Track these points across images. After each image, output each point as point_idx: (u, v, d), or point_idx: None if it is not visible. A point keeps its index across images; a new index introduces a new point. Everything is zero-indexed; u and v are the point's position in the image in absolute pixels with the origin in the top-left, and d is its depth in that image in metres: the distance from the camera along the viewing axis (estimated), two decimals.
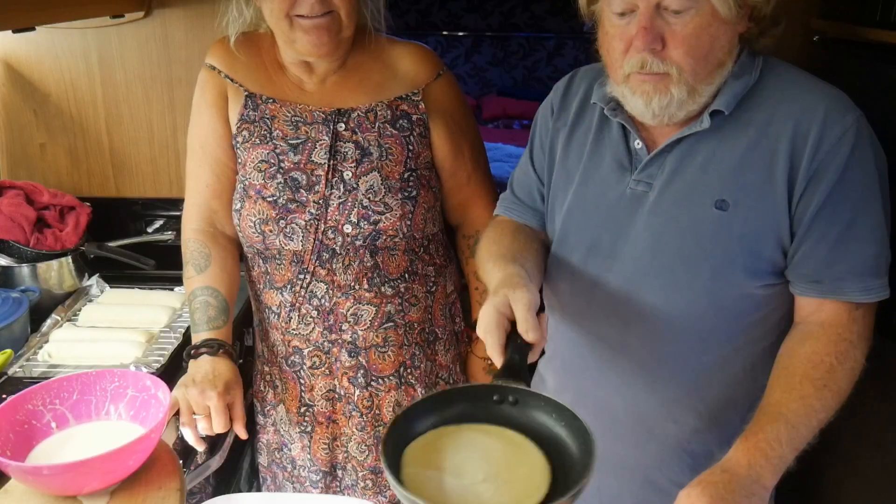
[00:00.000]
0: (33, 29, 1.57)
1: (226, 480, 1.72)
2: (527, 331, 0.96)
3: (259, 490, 1.70)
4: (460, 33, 5.41)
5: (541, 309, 1.04)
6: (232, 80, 1.44)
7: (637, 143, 1.14)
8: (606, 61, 1.10)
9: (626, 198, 1.14)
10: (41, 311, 1.68)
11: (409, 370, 1.50)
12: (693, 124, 1.08)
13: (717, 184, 1.07)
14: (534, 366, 1.37)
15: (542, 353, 1.35)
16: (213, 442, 1.46)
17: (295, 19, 1.31)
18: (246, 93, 1.43)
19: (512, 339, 0.98)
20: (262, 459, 1.64)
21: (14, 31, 1.54)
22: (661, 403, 1.19)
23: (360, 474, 1.54)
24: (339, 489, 1.57)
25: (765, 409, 1.03)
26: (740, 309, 1.12)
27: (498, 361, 0.98)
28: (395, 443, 0.89)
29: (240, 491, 1.78)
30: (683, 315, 1.12)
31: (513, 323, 0.99)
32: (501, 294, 1.01)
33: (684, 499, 0.95)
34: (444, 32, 5.41)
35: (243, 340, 1.72)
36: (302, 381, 1.51)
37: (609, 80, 1.12)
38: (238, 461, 1.78)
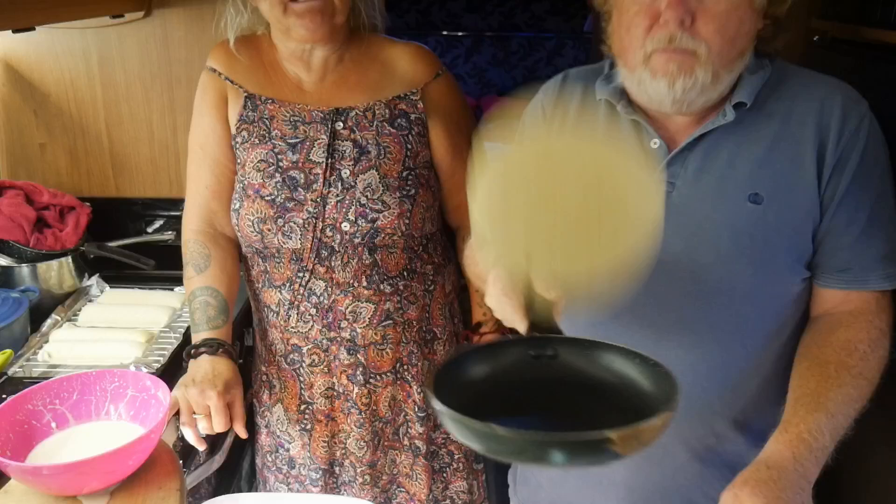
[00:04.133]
0: (33, 29, 1.57)
1: (226, 480, 1.72)
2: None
3: (259, 490, 1.70)
4: (460, 33, 5.40)
5: None
6: (232, 81, 1.45)
7: (654, 142, 1.09)
8: (623, 44, 1.04)
9: None
10: (41, 311, 1.68)
11: (405, 367, 1.51)
12: (715, 118, 1.05)
13: (747, 177, 1.04)
14: None
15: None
16: (214, 442, 1.46)
17: (288, 5, 1.31)
18: (245, 94, 1.44)
19: (531, 300, 0.88)
20: (258, 461, 1.65)
21: (14, 31, 1.54)
22: (704, 420, 1.13)
23: (357, 470, 1.54)
24: (336, 486, 1.57)
25: (802, 400, 0.99)
26: (777, 307, 1.08)
27: (522, 324, 0.89)
28: (442, 386, 0.81)
29: (240, 491, 1.78)
30: (724, 320, 1.08)
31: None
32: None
33: (732, 500, 0.90)
34: (444, 32, 5.40)
35: (243, 340, 1.73)
36: (301, 379, 1.51)
37: (620, 70, 1.07)
38: (238, 461, 1.78)
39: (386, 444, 1.55)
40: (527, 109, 1.24)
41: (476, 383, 0.84)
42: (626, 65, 1.06)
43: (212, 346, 1.36)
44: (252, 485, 1.79)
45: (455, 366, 0.85)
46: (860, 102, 1.05)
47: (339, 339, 1.46)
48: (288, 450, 1.56)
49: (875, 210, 1.04)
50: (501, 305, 0.91)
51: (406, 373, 1.51)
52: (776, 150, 1.04)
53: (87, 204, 1.94)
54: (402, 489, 1.60)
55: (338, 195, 1.39)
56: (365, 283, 1.43)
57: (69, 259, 1.80)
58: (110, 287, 1.83)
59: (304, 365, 1.50)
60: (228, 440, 1.52)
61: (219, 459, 1.51)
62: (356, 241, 1.40)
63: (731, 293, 1.07)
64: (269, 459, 1.60)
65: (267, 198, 1.40)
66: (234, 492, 1.70)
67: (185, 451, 1.44)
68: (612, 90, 1.11)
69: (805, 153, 1.03)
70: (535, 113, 1.22)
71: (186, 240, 1.48)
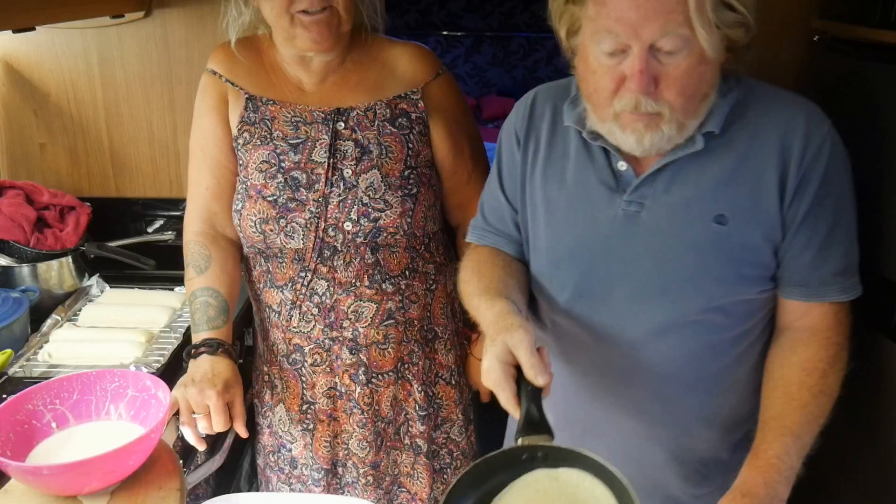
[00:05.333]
0: (33, 29, 1.57)
1: (226, 480, 1.72)
2: (535, 376, 0.96)
3: (259, 490, 1.70)
4: (460, 33, 5.39)
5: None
6: (233, 83, 1.45)
7: (621, 165, 1.13)
8: (591, 98, 1.08)
9: (619, 220, 1.13)
10: (41, 311, 1.68)
11: (406, 366, 1.51)
12: (685, 146, 1.08)
13: (712, 199, 1.08)
14: None
15: None
16: (214, 442, 1.46)
17: (295, 15, 1.32)
18: (246, 95, 1.44)
19: (522, 385, 0.98)
20: (260, 461, 1.65)
21: (14, 31, 1.54)
22: (677, 419, 1.19)
23: (360, 471, 1.54)
24: (339, 486, 1.57)
25: (769, 424, 1.06)
26: (744, 315, 1.13)
27: (515, 413, 0.98)
28: None
29: (240, 491, 1.78)
30: (693, 330, 1.12)
31: (517, 367, 0.99)
32: (499, 342, 1.00)
33: None
34: (444, 32, 5.40)
35: (243, 340, 1.73)
36: (304, 379, 1.51)
37: (589, 114, 1.11)
38: (238, 461, 1.78)
39: (388, 444, 1.55)
40: (502, 132, 1.28)
41: None
42: (594, 113, 1.09)
43: (211, 346, 1.36)
44: (252, 485, 1.79)
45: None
46: (823, 123, 1.08)
47: (341, 338, 1.46)
48: (290, 450, 1.56)
49: (834, 228, 1.08)
50: (496, 393, 1.00)
51: (407, 372, 1.51)
52: (740, 172, 1.08)
53: (88, 204, 1.94)
54: (404, 489, 1.60)
55: (340, 195, 1.39)
56: (367, 283, 1.43)
57: (69, 259, 1.80)
58: (110, 287, 1.83)
59: (306, 365, 1.50)
60: (228, 440, 1.52)
61: (219, 459, 1.51)
62: (358, 240, 1.40)
63: (698, 306, 1.11)
64: (272, 459, 1.60)
65: (269, 198, 1.40)
66: (234, 492, 1.70)
67: (185, 451, 1.44)
68: (577, 116, 1.14)
69: (768, 175, 1.07)
70: (510, 137, 1.25)
71: (187, 241, 1.48)
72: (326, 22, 1.32)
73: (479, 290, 1.17)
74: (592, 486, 0.91)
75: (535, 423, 0.95)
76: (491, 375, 0.99)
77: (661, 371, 1.16)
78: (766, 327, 1.17)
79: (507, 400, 0.98)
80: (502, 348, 0.99)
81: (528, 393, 0.97)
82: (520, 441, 0.95)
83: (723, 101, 1.08)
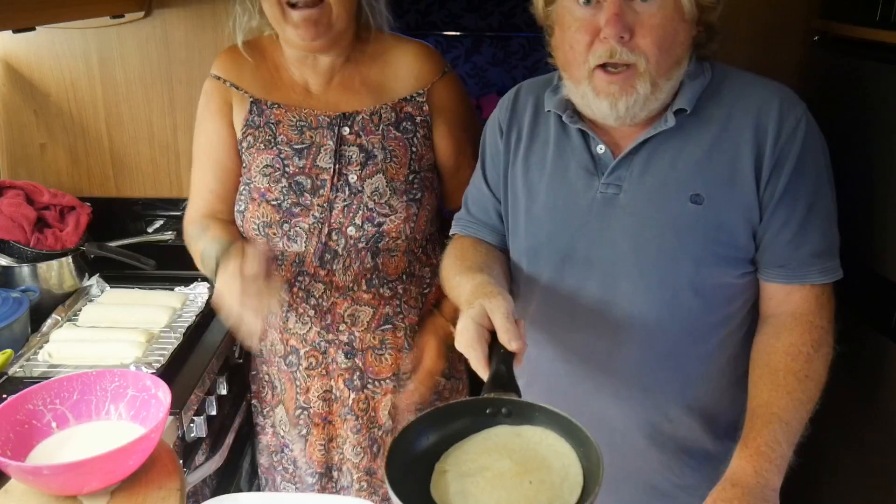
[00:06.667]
0: (33, 29, 1.57)
1: (226, 480, 1.72)
2: (509, 340, 0.95)
3: (259, 490, 1.70)
4: (460, 33, 5.39)
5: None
6: (237, 87, 1.44)
7: (600, 148, 1.14)
8: (567, 58, 1.09)
9: (598, 202, 1.14)
10: (41, 311, 1.68)
11: (408, 376, 1.50)
12: (657, 124, 1.10)
13: (688, 179, 1.09)
14: None
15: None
16: (214, 442, 1.46)
17: (287, 9, 1.30)
18: (251, 99, 1.43)
19: (494, 349, 0.97)
20: (263, 461, 1.64)
21: (14, 31, 1.54)
22: (657, 405, 1.19)
23: (355, 476, 1.54)
24: (335, 490, 1.57)
25: (757, 412, 1.06)
26: (722, 300, 1.14)
27: (484, 375, 0.97)
28: (398, 468, 0.87)
29: (240, 491, 1.78)
30: (671, 312, 1.13)
31: (492, 333, 0.98)
32: (477, 305, 1.00)
33: None
34: (444, 32, 5.40)
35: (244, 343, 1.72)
36: (298, 384, 1.51)
37: (565, 83, 1.12)
38: (238, 461, 1.78)
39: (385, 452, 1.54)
40: (487, 126, 1.30)
41: (430, 454, 0.90)
42: (570, 78, 1.11)
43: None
44: (252, 485, 1.79)
45: (408, 440, 0.91)
46: (797, 105, 1.09)
47: (336, 341, 1.46)
48: (292, 450, 1.56)
49: (811, 209, 1.08)
50: (468, 355, 0.98)
51: (409, 381, 1.50)
52: (715, 152, 1.09)
53: (88, 204, 1.94)
54: None
55: (345, 200, 1.39)
56: (364, 287, 1.43)
57: (69, 259, 1.80)
58: (110, 287, 1.83)
59: (301, 367, 1.49)
60: (228, 440, 1.52)
61: (219, 459, 1.51)
62: (360, 245, 1.40)
63: (676, 287, 1.12)
64: (276, 459, 1.60)
65: (273, 202, 1.40)
66: (234, 492, 1.70)
67: (186, 451, 1.44)
68: (558, 101, 1.16)
69: (743, 156, 1.08)
70: (494, 129, 1.27)
71: (186, 228, 1.47)
72: (315, 20, 1.30)
73: (461, 270, 1.17)
74: (555, 442, 0.90)
75: (503, 381, 0.94)
76: (464, 335, 0.98)
77: (641, 356, 1.16)
78: (747, 317, 1.17)
79: (477, 360, 0.97)
80: (479, 311, 0.99)
81: (500, 355, 0.96)
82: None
83: (694, 81, 1.10)
